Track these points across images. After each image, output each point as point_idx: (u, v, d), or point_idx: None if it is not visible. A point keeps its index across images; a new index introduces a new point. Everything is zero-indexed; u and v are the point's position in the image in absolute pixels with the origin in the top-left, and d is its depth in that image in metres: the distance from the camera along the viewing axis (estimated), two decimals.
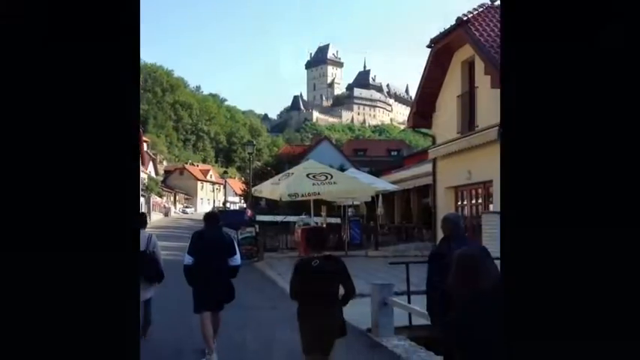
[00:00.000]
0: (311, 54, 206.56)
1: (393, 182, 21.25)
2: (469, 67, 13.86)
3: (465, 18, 12.99)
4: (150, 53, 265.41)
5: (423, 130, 16.59)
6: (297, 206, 17.89)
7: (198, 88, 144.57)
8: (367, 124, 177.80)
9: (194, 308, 5.70)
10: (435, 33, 14.70)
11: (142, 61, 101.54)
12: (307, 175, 14.05)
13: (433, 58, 14.72)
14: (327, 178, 14.03)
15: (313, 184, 13.69)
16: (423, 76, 15.33)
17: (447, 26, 13.81)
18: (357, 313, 7.18)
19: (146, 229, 6.62)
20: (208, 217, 6.03)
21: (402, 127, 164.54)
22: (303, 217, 16.72)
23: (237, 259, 5.78)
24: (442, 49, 14.39)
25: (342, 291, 4.16)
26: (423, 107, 15.50)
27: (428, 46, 14.86)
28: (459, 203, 14.65)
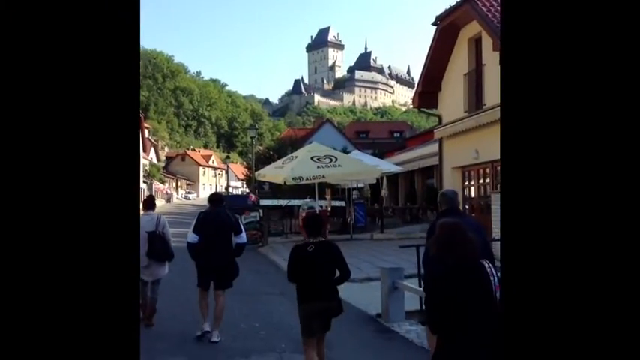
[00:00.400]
0: (312, 37, 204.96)
1: (397, 164, 21.03)
2: (476, 44, 13.50)
3: None
4: (149, 39, 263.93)
5: (429, 110, 16.25)
6: (301, 190, 17.67)
7: (198, 73, 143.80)
8: (369, 107, 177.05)
9: (197, 282, 5.89)
10: (439, 10, 14.32)
11: (141, 48, 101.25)
12: (312, 158, 13.80)
13: (439, 35, 14.34)
14: (331, 160, 13.79)
15: (318, 167, 13.44)
16: (428, 54, 14.95)
17: (453, 3, 13.41)
18: (366, 297, 7.02)
19: (154, 212, 6.71)
20: (213, 198, 6.25)
21: (404, 108, 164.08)
22: (308, 200, 16.49)
23: (243, 237, 5.97)
24: (448, 26, 14.00)
25: (337, 274, 4.31)
26: (429, 86, 15.14)
27: (433, 24, 14.46)
28: (466, 183, 14.39)
